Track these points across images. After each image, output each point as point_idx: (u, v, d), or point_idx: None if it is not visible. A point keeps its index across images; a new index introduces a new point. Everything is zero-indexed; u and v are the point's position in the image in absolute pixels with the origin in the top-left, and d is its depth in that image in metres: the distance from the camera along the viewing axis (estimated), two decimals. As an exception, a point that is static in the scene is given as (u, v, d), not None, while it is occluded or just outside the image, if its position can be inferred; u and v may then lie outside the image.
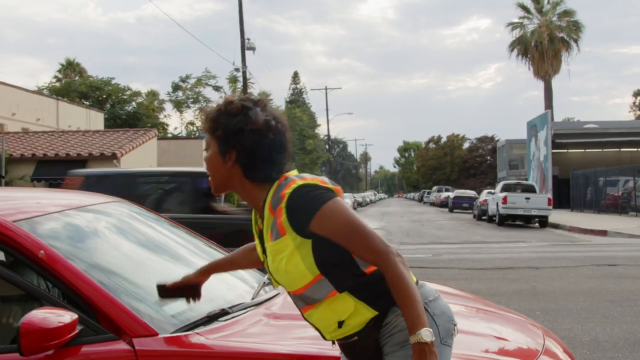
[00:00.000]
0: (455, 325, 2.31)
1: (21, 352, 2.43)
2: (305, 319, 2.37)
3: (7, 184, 26.07)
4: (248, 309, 3.13)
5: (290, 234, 2.18)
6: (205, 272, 2.85)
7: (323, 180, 2.23)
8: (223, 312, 2.98)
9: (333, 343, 2.37)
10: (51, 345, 2.46)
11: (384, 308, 2.20)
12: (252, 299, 3.34)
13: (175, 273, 3.50)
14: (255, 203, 2.33)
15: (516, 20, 55.36)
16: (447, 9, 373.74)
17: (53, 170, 27.17)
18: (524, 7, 54.49)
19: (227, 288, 3.57)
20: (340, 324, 2.24)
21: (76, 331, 2.54)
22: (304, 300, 2.28)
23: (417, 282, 2.29)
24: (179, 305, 2.99)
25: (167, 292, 2.82)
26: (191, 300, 2.83)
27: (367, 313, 2.21)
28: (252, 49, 33.41)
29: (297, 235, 2.18)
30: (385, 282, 2.15)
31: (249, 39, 32.95)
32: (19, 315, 2.55)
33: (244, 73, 33.28)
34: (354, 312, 2.21)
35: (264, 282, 3.73)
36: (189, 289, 2.82)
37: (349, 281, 2.21)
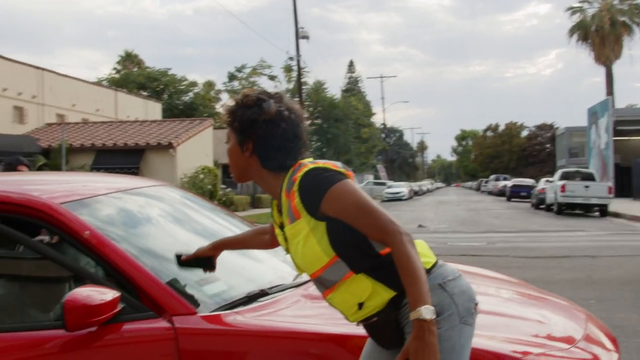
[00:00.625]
0: (476, 304, 2.32)
1: (66, 328, 2.52)
2: (329, 304, 2.42)
3: (68, 173, 26.68)
4: (287, 290, 3.17)
5: (305, 217, 2.26)
6: (217, 247, 2.95)
7: (334, 164, 2.30)
8: (262, 293, 3.03)
9: (357, 324, 2.40)
10: (94, 321, 2.55)
11: (402, 288, 2.19)
12: (293, 280, 3.38)
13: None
14: (273, 191, 2.43)
15: (576, 4, 54.33)
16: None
17: (112, 160, 27.80)
18: (584, -9, 53.37)
19: (269, 269, 3.62)
20: (361, 306, 2.28)
21: (118, 309, 2.62)
22: (322, 283, 2.34)
23: (436, 263, 2.34)
24: (219, 286, 3.05)
25: (184, 262, 2.93)
26: (207, 271, 2.95)
27: (385, 294, 2.25)
28: (306, 37, 33.48)
29: (311, 218, 2.25)
30: None
31: (302, 28, 33.05)
32: (64, 293, 2.64)
33: (298, 62, 33.40)
34: (373, 293, 2.25)
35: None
36: (203, 261, 2.92)
37: (365, 262, 2.26)
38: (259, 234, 2.95)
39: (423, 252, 2.30)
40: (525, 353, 2.58)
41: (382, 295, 2.25)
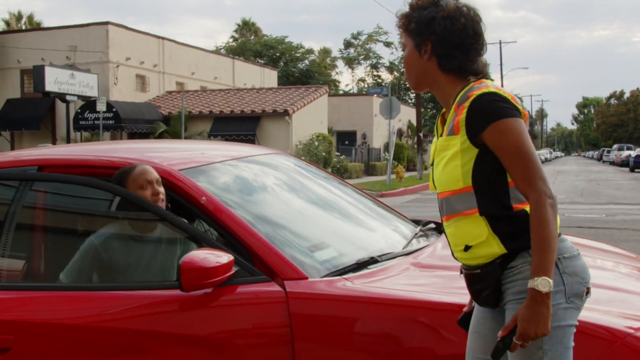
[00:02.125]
0: (588, 288, 2.23)
1: (182, 288, 2.64)
2: (444, 230, 2.41)
3: (187, 140, 27.53)
4: (397, 258, 3.20)
5: (462, 136, 2.21)
6: None
7: (515, 99, 2.23)
8: (372, 260, 3.06)
9: (460, 273, 2.39)
10: (209, 283, 2.66)
11: (515, 250, 2.17)
12: (403, 248, 3.41)
13: (329, 221, 3.65)
14: (447, 100, 2.36)
15: None
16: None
17: (229, 127, 28.48)
18: None
19: (380, 237, 3.66)
20: (467, 248, 2.25)
21: (232, 271, 2.73)
22: (447, 206, 2.31)
23: (559, 235, 2.22)
24: (330, 252, 3.11)
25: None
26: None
27: (496, 248, 2.20)
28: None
29: (467, 139, 2.20)
30: (526, 224, 2.13)
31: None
32: (181, 254, 2.76)
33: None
34: (484, 242, 2.21)
35: (416, 233, 3.78)
36: None
37: (493, 208, 2.21)
38: None
39: None
40: (639, 329, 2.52)
41: (493, 247, 2.20)
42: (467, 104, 2.20)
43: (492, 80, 2.33)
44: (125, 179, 3.13)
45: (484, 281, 2.25)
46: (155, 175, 3.12)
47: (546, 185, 2.13)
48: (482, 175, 2.21)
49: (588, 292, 2.23)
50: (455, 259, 2.38)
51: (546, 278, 2.03)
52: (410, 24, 2.35)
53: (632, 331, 2.48)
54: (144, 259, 3.14)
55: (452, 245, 2.36)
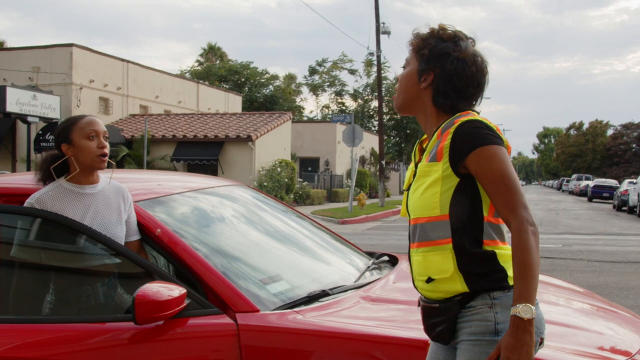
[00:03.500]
0: (542, 338, 2.21)
1: (135, 321, 2.67)
2: (409, 257, 2.37)
3: (149, 164, 27.40)
4: (348, 291, 3.25)
5: (444, 163, 2.21)
6: None
7: (499, 130, 2.25)
8: (323, 293, 3.12)
9: (418, 305, 2.40)
10: (162, 316, 2.69)
11: (476, 290, 2.17)
12: (355, 281, 3.47)
13: (284, 253, 3.69)
14: (429, 128, 2.36)
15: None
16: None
17: (192, 152, 28.39)
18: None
19: (334, 270, 3.72)
20: (429, 281, 2.24)
21: (184, 304, 2.76)
22: (420, 233, 2.28)
23: None
24: (283, 285, 3.16)
25: None
26: None
27: (459, 286, 2.19)
28: (387, 32, 33.26)
29: (449, 167, 2.20)
30: (492, 265, 2.17)
31: (384, 23, 32.80)
32: (134, 288, 2.79)
33: (379, 57, 33.23)
34: (448, 279, 2.20)
35: (369, 267, 3.85)
36: None
37: (466, 240, 2.19)
38: None
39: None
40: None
41: (456, 285, 2.20)
42: (452, 129, 2.21)
43: (477, 112, 2.36)
44: (71, 128, 3.08)
45: (441, 316, 2.25)
46: (103, 127, 3.11)
47: (528, 213, 2.12)
48: (459, 206, 2.20)
49: (542, 342, 2.22)
50: (415, 287, 2.36)
51: (529, 305, 2.02)
52: (424, 48, 2.34)
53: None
54: (98, 291, 3.13)
55: (414, 274, 2.33)
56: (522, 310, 2.01)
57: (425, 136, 2.44)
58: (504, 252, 2.22)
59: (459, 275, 2.19)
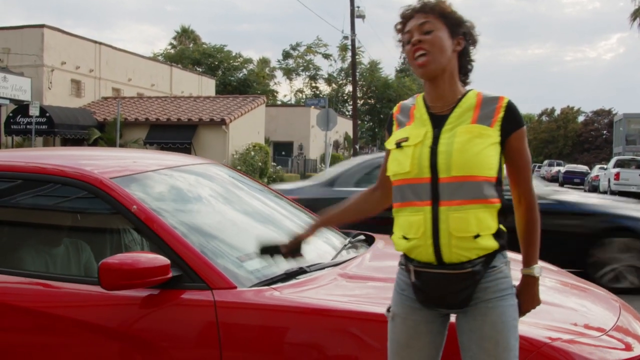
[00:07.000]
0: None
1: (101, 285, 2.73)
2: (438, 215, 2.31)
3: (122, 147, 27.20)
4: (325, 269, 3.26)
5: (496, 131, 2.35)
6: (319, 226, 2.84)
7: None
8: (301, 270, 3.12)
9: (417, 278, 2.37)
10: (131, 284, 2.73)
11: (500, 248, 2.37)
12: (332, 259, 3.48)
13: (259, 230, 3.69)
14: (445, 97, 2.43)
15: (637, -12, 52.73)
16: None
17: (165, 135, 28.22)
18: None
19: (311, 249, 3.71)
20: (477, 237, 2.29)
21: (168, 275, 2.79)
22: (467, 189, 2.28)
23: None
24: (259, 262, 3.15)
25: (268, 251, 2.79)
26: (296, 257, 2.80)
27: (494, 243, 2.33)
28: (362, 17, 33.25)
29: (499, 135, 2.35)
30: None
31: (358, 7, 32.81)
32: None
33: (353, 41, 33.18)
34: (490, 236, 2.32)
35: (345, 245, 3.86)
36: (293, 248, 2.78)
37: (502, 204, 2.36)
38: (369, 195, 2.77)
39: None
40: (555, 339, 2.64)
41: (493, 242, 2.33)
42: (503, 103, 2.38)
43: None
44: None
45: (468, 279, 2.31)
46: None
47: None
48: (501, 173, 2.38)
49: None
50: (439, 251, 2.30)
51: (538, 265, 2.47)
52: (452, 14, 2.43)
53: (549, 341, 2.61)
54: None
55: (454, 231, 2.28)
56: (536, 270, 2.45)
57: (413, 105, 2.57)
58: None
59: (496, 234, 2.35)
